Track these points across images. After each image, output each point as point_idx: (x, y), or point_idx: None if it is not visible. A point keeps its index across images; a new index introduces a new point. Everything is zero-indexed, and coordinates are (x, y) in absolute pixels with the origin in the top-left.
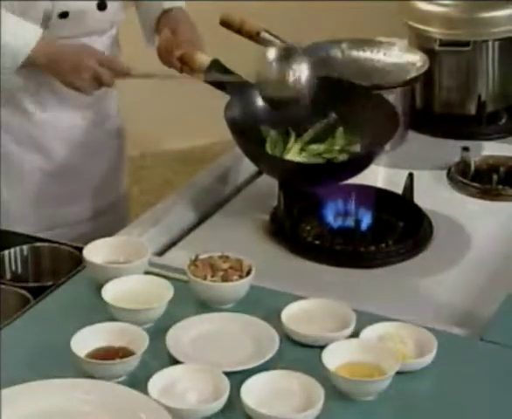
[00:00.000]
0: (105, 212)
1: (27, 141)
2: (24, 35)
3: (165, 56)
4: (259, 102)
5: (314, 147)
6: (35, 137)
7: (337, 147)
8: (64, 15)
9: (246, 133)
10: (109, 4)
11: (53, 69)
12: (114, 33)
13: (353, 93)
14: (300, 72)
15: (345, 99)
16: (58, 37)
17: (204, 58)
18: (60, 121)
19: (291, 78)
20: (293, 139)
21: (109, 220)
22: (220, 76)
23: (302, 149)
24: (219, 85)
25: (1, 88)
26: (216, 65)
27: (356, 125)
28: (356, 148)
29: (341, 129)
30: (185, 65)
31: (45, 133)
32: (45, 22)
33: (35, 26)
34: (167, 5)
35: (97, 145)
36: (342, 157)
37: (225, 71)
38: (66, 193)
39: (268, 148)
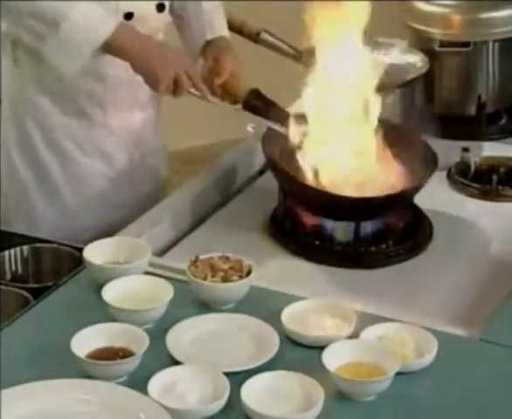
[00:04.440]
0: (143, 199)
1: (89, 147)
2: (105, 16)
3: (207, 83)
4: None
5: None
6: (97, 142)
7: None
8: (128, 16)
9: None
10: (166, 7)
11: (139, 52)
12: (161, 36)
13: (389, 133)
14: None
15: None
16: None
17: (244, 87)
18: (120, 125)
19: None
20: None
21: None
22: (259, 104)
23: None
24: (259, 113)
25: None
26: (254, 94)
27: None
28: None
29: None
30: (226, 93)
31: (107, 137)
32: None
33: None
34: (210, 36)
35: (146, 143)
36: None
37: (264, 99)
38: (122, 198)
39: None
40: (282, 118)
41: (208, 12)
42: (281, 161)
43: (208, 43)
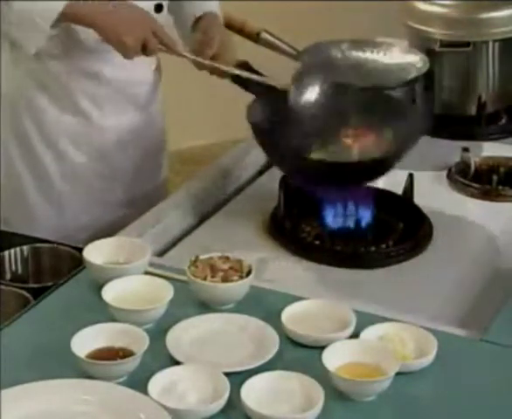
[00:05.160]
0: (140, 200)
1: (86, 147)
2: None
3: (198, 56)
4: (283, 107)
5: None
6: (95, 142)
7: None
8: None
9: (268, 135)
10: (164, 7)
11: (101, 19)
12: None
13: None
14: None
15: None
16: None
17: (233, 59)
18: (118, 125)
19: None
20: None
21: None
22: (247, 76)
23: None
24: (245, 86)
25: (29, 50)
26: (243, 67)
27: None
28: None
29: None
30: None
31: (104, 137)
32: None
33: None
34: (198, 13)
35: (146, 143)
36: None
37: (253, 72)
38: (121, 197)
39: None
40: (270, 91)
41: None
42: (266, 128)
43: (197, 19)
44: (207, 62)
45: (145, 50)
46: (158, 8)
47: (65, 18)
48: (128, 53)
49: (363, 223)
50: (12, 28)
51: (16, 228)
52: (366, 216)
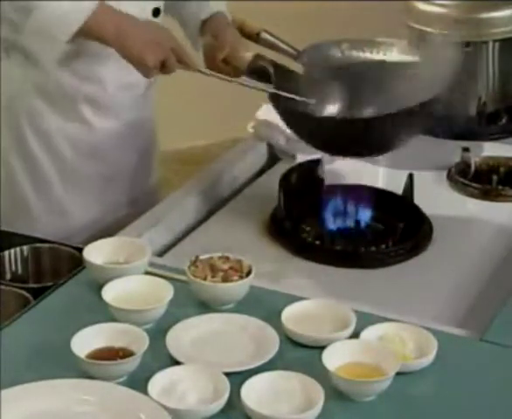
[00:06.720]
0: (138, 201)
1: (85, 148)
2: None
3: (210, 61)
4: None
5: None
6: (93, 144)
7: None
8: None
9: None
10: (161, 12)
11: (122, 37)
12: None
13: None
14: None
15: None
16: None
17: (246, 55)
18: (116, 126)
19: None
20: None
21: (142, 209)
22: (264, 66)
23: None
24: (265, 79)
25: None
26: (259, 59)
27: None
28: None
29: None
30: (229, 65)
31: (102, 139)
32: None
33: None
34: (203, 16)
35: (142, 143)
36: None
37: (270, 62)
38: (119, 197)
39: None
40: (289, 79)
41: None
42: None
43: (205, 21)
44: (224, 76)
45: (163, 68)
46: (156, 12)
47: (84, 33)
48: (148, 73)
49: (363, 223)
50: (26, 39)
51: (16, 229)
52: (366, 216)
